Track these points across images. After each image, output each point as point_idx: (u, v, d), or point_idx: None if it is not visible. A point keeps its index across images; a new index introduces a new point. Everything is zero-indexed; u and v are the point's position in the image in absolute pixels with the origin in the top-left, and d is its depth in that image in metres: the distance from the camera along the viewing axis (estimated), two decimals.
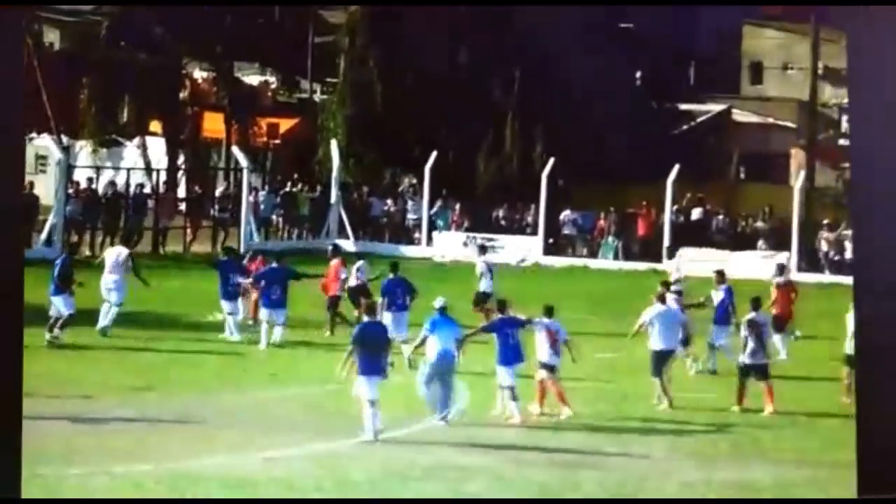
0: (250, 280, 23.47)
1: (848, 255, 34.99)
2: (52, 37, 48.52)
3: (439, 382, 16.87)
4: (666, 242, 36.94)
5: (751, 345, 18.69)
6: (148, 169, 41.07)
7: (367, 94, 43.53)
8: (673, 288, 24.52)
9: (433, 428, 16.67)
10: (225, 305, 23.32)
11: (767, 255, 36.20)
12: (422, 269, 33.32)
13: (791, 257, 35.77)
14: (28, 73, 39.50)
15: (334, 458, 15.18)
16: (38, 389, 16.22)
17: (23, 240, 24.69)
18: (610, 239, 38.66)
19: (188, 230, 37.26)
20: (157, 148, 43.90)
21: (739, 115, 52.48)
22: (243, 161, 38.18)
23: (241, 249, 35.95)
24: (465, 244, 38.78)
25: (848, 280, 31.88)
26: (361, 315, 19.87)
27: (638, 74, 49.85)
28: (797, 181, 38.26)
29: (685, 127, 50.40)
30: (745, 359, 18.76)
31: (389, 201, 40.86)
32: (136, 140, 44.02)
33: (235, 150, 39.74)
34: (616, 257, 38.21)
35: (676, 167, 37.00)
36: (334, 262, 24.22)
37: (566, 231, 39.20)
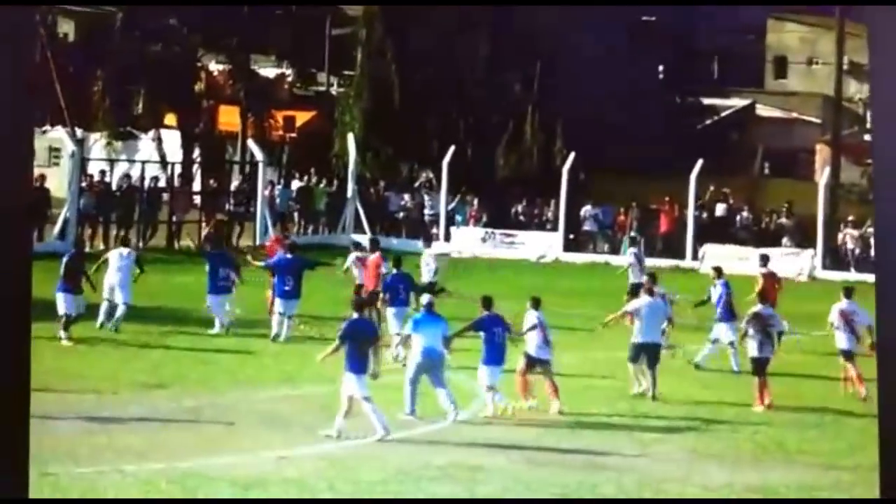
0: (261, 265, 23.23)
1: (873, 252, 34.60)
2: (66, 28, 48.34)
3: (428, 380, 16.75)
4: (689, 239, 36.55)
5: (758, 338, 18.43)
6: (163, 162, 40.90)
7: (384, 88, 43.23)
8: (633, 280, 24.78)
9: (447, 428, 16.43)
10: (211, 301, 22.94)
11: (791, 253, 35.80)
12: (439, 265, 32.95)
13: (816, 255, 35.34)
14: (42, 64, 39.41)
15: (348, 457, 14.94)
16: (47, 386, 16.04)
17: (31, 235, 24.44)
18: (632, 235, 38.29)
19: (203, 224, 37.06)
20: (173, 141, 43.74)
21: (763, 110, 52.15)
22: (259, 155, 37.97)
23: (256, 243, 35.67)
24: (484, 240, 38.48)
25: (872, 278, 31.53)
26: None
27: (661, 68, 49.48)
28: (822, 177, 37.83)
29: (708, 121, 50.08)
30: (754, 353, 18.52)
31: (406, 196, 40.55)
32: (151, 133, 43.87)
33: (251, 143, 39.53)
34: None
35: (700, 162, 36.62)
36: (374, 256, 23.77)
37: (587, 227, 38.83)
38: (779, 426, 17.35)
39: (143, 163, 38.58)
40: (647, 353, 18.66)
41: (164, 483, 13.39)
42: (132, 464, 14.02)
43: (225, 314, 22.97)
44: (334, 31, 49.40)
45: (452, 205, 39.50)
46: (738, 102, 52.02)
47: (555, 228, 38.40)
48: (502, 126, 42.98)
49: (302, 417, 16.77)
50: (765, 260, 24.49)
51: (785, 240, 37.36)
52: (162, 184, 37.75)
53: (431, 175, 41.37)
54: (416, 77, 42.96)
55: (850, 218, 36.73)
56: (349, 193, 39.17)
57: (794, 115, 51.53)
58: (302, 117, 47.44)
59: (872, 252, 34.93)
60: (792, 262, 34.93)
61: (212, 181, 40.75)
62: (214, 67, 46.94)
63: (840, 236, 36.56)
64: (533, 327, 17.62)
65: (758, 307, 18.87)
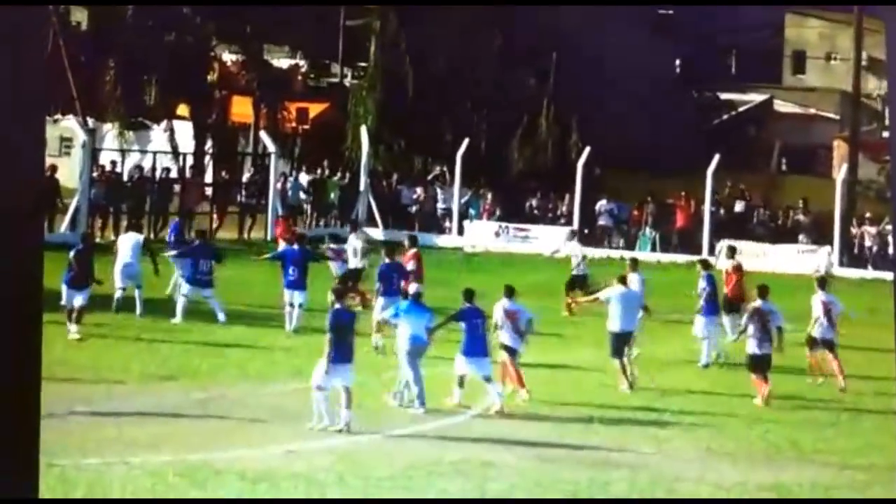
0: (267, 257, 23.21)
1: (891, 250, 34.40)
2: (79, 16, 48.17)
3: (407, 367, 16.83)
4: (706, 234, 36.30)
5: (757, 334, 18.22)
6: (175, 153, 40.75)
7: (397, 80, 42.99)
8: (575, 272, 24.73)
9: (459, 423, 16.33)
10: (187, 289, 22.83)
11: (807, 250, 35.54)
12: (453, 259, 32.89)
13: (833, 251, 35.07)
14: (54, 53, 39.27)
15: (357, 452, 14.83)
16: (55, 377, 15.89)
17: (42, 225, 24.23)
18: (647, 230, 38.06)
19: (214, 216, 36.92)
20: (185, 132, 43.57)
21: (781, 106, 51.85)
22: (271, 146, 37.81)
23: (268, 236, 35.51)
24: (497, 234, 38.28)
25: (890, 276, 31.27)
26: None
27: (678, 63, 49.23)
28: (839, 174, 37.54)
29: (725, 116, 49.81)
30: (753, 350, 18.35)
31: (419, 189, 40.36)
32: (164, 123, 43.71)
33: (263, 134, 39.37)
34: (654, 249, 37.57)
35: (716, 157, 36.37)
36: (411, 251, 23.63)
37: (602, 221, 38.59)
38: (793, 424, 17.17)
39: (155, 153, 38.44)
40: (622, 342, 18.75)
41: (171, 475, 13.28)
42: (140, 456, 13.92)
43: (215, 304, 22.86)
44: (348, 23, 49.18)
45: (466, 198, 39.31)
46: (755, 98, 51.72)
47: (569, 223, 38.19)
48: (517, 120, 42.75)
49: (311, 411, 16.63)
50: (731, 251, 24.40)
51: (802, 237, 37.08)
52: (174, 175, 37.59)
53: (445, 168, 41.16)
54: (430, 69, 42.74)
55: (868, 215, 36.48)
56: (361, 186, 39.00)
57: (812, 110, 51.22)
58: (315, 109, 47.21)
59: (890, 249, 34.75)
60: (809, 260, 34.67)
61: (224, 173, 40.60)
62: (228, 58, 46.74)
63: (856, 233, 36.27)
64: (508, 316, 17.65)
65: (757, 302, 18.63)
